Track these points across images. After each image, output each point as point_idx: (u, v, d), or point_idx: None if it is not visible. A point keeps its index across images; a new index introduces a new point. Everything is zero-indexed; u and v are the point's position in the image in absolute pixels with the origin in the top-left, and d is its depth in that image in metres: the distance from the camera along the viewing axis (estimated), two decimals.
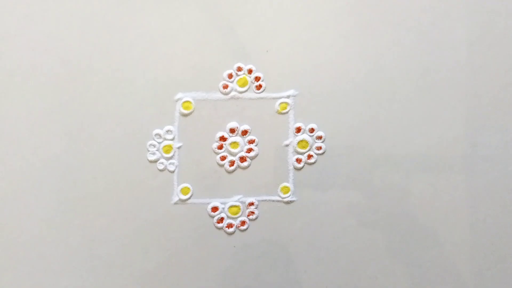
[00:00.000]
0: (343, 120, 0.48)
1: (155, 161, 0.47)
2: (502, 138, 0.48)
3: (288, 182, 0.48)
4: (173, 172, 0.47)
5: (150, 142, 0.47)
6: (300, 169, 0.48)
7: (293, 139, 0.48)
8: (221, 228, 0.48)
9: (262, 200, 0.48)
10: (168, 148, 0.47)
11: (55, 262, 0.47)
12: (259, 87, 0.48)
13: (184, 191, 0.47)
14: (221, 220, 0.47)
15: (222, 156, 0.48)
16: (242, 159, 0.48)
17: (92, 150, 0.47)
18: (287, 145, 0.48)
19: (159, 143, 0.47)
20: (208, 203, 0.47)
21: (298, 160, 0.48)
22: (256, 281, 0.47)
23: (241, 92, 0.48)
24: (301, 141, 0.48)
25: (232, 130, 0.48)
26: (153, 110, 0.47)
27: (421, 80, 0.48)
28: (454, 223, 0.48)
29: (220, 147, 0.48)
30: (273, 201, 0.48)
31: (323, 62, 0.48)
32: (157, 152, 0.47)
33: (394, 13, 0.48)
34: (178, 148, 0.47)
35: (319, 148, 0.48)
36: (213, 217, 0.47)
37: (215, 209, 0.47)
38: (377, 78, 0.48)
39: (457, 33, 0.48)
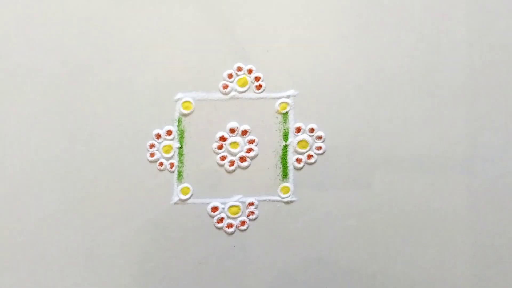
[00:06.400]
0: (343, 120, 0.48)
1: (155, 161, 0.47)
2: (502, 138, 0.48)
3: (288, 182, 0.48)
4: (173, 172, 0.47)
5: (150, 142, 0.47)
6: (300, 169, 0.48)
7: (293, 139, 0.48)
8: (221, 228, 0.48)
9: (262, 200, 0.47)
10: (168, 148, 0.47)
11: (55, 262, 0.47)
12: (259, 87, 0.48)
13: (184, 191, 0.47)
14: (221, 220, 0.47)
15: (222, 156, 0.48)
16: (242, 159, 0.48)
17: (92, 150, 0.47)
18: (287, 145, 0.48)
19: (159, 143, 0.47)
20: (208, 203, 0.47)
21: (298, 160, 0.48)
22: (256, 281, 0.47)
23: (241, 92, 0.48)
24: (301, 141, 0.48)
25: (232, 130, 0.48)
26: (153, 110, 0.47)
27: (421, 80, 0.48)
28: (454, 223, 0.48)
29: (220, 147, 0.48)
30: (273, 201, 0.48)
31: (323, 62, 0.48)
32: (157, 152, 0.47)
33: (394, 13, 0.48)
34: (178, 148, 0.47)
35: (319, 148, 0.48)
36: (213, 217, 0.47)
37: (215, 209, 0.47)
38: (377, 78, 0.48)
39: (457, 33, 0.48)
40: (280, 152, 0.48)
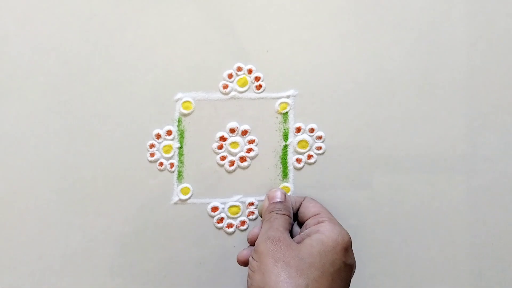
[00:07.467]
0: (343, 120, 0.48)
1: (155, 161, 0.47)
2: (502, 138, 0.48)
3: (288, 182, 0.48)
4: (173, 172, 0.47)
5: (150, 142, 0.47)
6: (300, 169, 0.48)
7: (293, 139, 0.48)
8: (221, 228, 0.48)
9: (262, 200, 0.47)
10: (168, 148, 0.47)
11: (55, 262, 0.47)
12: (259, 87, 0.48)
13: (184, 191, 0.47)
14: (221, 220, 0.47)
15: (222, 156, 0.48)
16: (242, 159, 0.48)
17: (92, 150, 0.47)
18: (287, 145, 0.48)
19: (159, 143, 0.47)
20: (208, 203, 0.47)
21: (298, 160, 0.48)
22: None
23: (241, 92, 0.48)
24: (301, 141, 0.48)
25: (232, 130, 0.48)
26: (153, 110, 0.47)
27: (421, 80, 0.48)
28: (454, 223, 0.48)
29: (220, 147, 0.48)
30: None
31: (323, 62, 0.48)
32: (157, 152, 0.47)
33: (394, 13, 0.48)
34: (178, 148, 0.47)
35: (319, 148, 0.48)
36: (213, 217, 0.47)
37: (215, 209, 0.47)
38: (377, 78, 0.48)
39: (457, 33, 0.48)
40: (280, 152, 0.48)
